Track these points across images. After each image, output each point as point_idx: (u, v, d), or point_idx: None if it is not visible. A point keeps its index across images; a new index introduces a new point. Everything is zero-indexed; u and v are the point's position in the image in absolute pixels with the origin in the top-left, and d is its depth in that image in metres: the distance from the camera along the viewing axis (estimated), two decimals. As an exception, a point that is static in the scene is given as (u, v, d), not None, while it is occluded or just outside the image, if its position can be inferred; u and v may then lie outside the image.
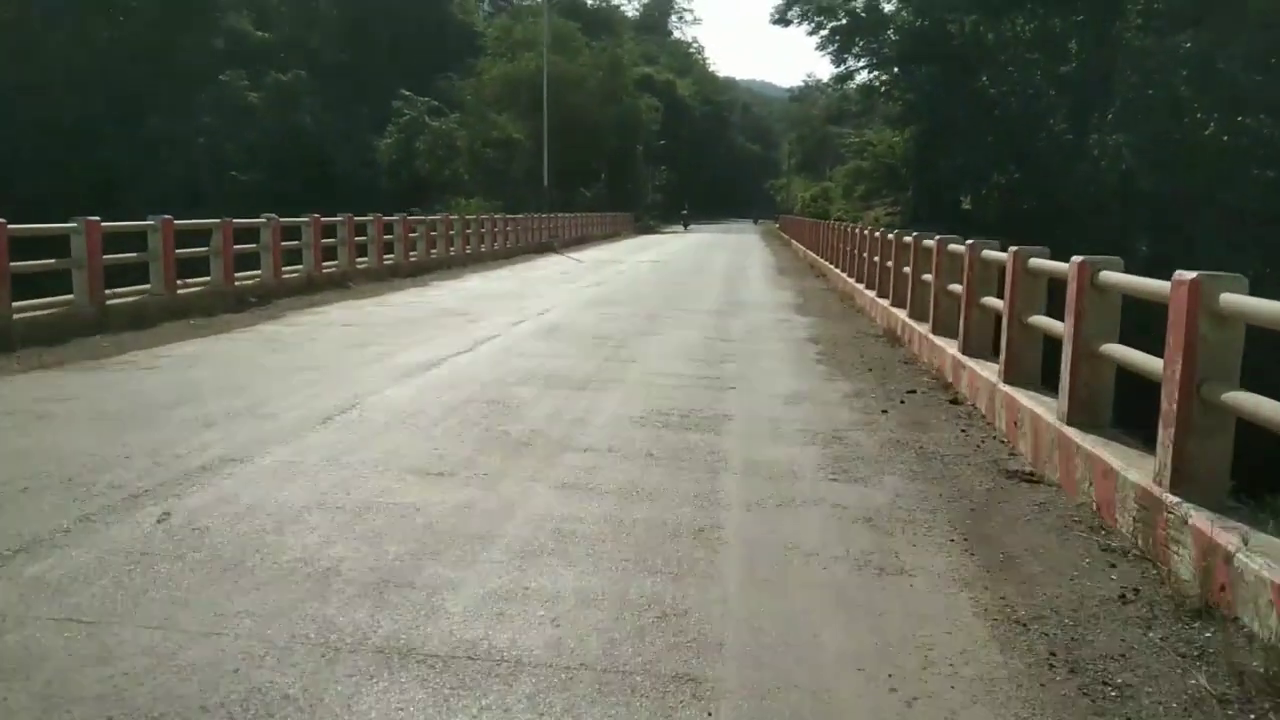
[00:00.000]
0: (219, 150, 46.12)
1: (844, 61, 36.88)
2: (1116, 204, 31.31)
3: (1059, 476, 4.99)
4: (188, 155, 44.57)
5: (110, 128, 41.87)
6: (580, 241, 33.60)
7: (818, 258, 21.39)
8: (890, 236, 12.36)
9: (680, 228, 52.70)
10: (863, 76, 39.57)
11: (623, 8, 75.80)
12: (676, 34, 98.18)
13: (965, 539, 4.13)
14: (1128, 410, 4.98)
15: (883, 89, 39.83)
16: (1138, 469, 4.19)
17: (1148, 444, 4.28)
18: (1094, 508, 4.48)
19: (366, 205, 21.97)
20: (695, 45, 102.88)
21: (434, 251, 18.74)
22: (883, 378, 8.19)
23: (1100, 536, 4.17)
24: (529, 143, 39.60)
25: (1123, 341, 4.96)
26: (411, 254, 17.66)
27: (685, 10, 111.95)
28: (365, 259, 16.10)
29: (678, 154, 64.85)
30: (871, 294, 12.97)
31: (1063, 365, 5.25)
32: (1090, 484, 4.58)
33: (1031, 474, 5.20)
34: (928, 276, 9.65)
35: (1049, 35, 32.78)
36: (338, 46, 51.75)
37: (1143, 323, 5.18)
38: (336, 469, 4.92)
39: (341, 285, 14.39)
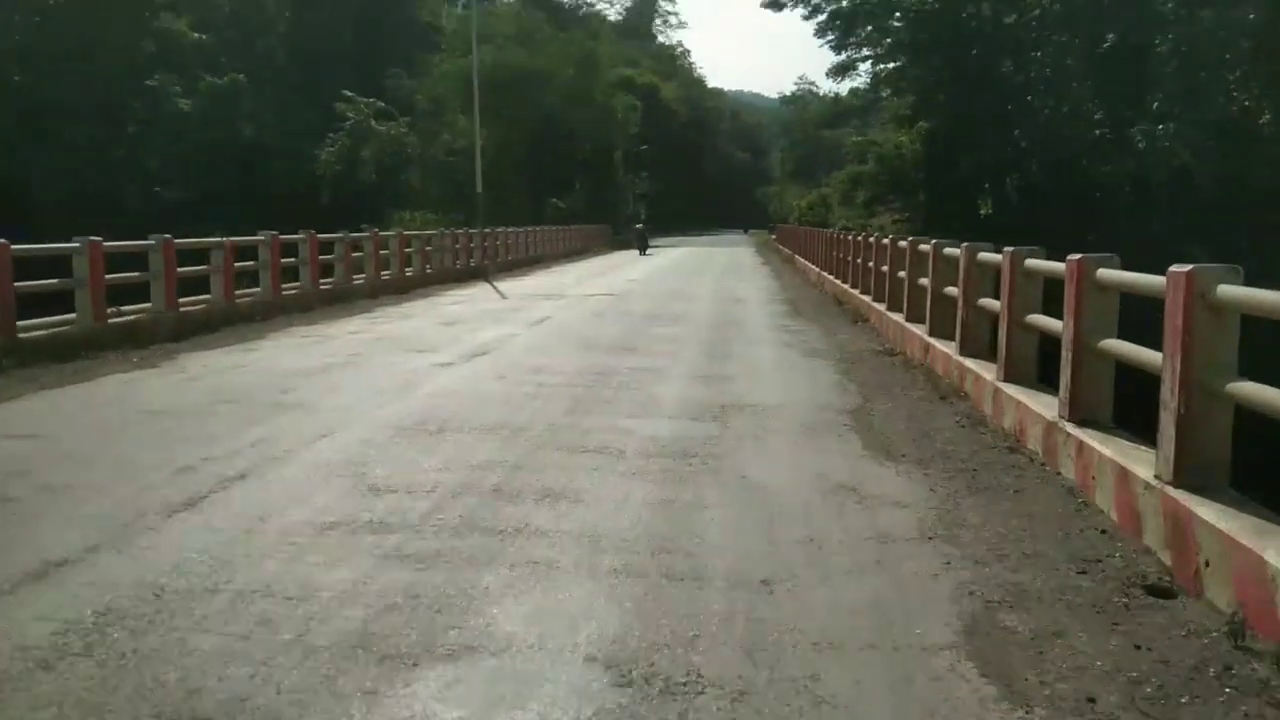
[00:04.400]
0: (143, 162, 45.51)
1: (845, 49, 36.67)
2: (1164, 205, 31.01)
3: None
4: (108, 168, 43.88)
5: (20, 136, 41.08)
6: (531, 263, 30.31)
7: (839, 283, 17.93)
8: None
9: (636, 252, 39.19)
10: (865, 68, 39.42)
11: (604, 11, 75.97)
12: (661, 39, 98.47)
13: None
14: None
15: (889, 82, 39.68)
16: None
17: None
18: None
19: (307, 220, 21.33)
20: (680, 49, 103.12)
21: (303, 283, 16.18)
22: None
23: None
24: (491, 148, 39.08)
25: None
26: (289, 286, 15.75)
27: (670, 13, 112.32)
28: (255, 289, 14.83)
29: (661, 161, 64.60)
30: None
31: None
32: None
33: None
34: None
35: (1077, 11, 32.33)
36: (282, 46, 51.34)
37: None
38: None
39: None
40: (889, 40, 39.16)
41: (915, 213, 41.63)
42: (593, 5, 71.33)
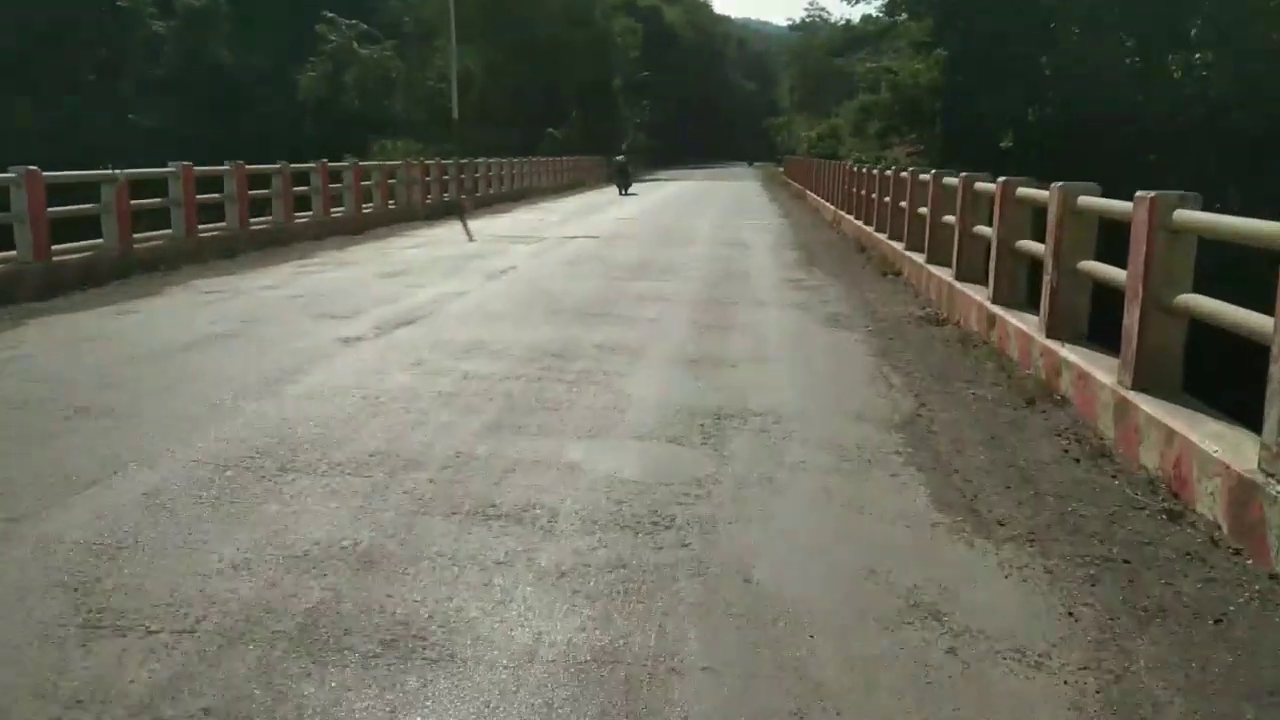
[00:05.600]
0: (114, 89, 42.52)
1: (860, -33, 33.29)
2: (1203, 140, 28.13)
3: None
4: (76, 95, 41.00)
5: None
6: (515, 198, 26.89)
7: (861, 225, 15.18)
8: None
9: (617, 189, 31.85)
10: (881, -11, 36.09)
11: None
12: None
13: None
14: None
15: (907, 4, 36.43)
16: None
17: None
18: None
19: (287, 151, 18.78)
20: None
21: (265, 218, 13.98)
22: None
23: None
24: (480, 74, 35.96)
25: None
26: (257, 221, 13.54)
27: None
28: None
29: (664, 90, 60.93)
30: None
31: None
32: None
33: None
34: None
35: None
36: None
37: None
38: None
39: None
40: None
41: (931, 145, 38.80)
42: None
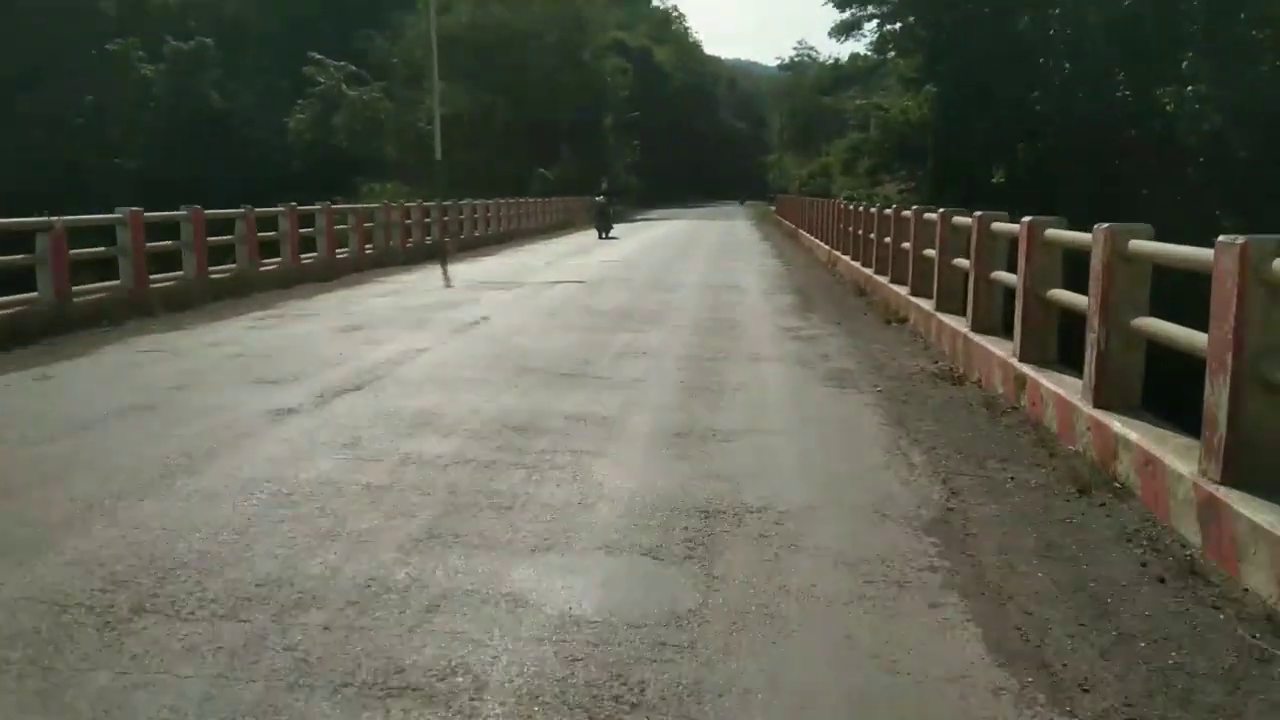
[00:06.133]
0: (103, 132, 41.95)
1: (850, 6, 32.86)
2: (1198, 173, 27.45)
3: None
4: (67, 138, 40.41)
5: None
6: (501, 240, 25.53)
7: (859, 267, 13.94)
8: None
9: (597, 233, 27.99)
10: (871, 27, 35.71)
11: None
12: (656, 3, 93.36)
13: None
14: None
15: (896, 43, 36.06)
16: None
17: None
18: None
19: (276, 194, 18.01)
20: (675, 12, 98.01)
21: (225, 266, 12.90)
22: None
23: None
24: (469, 115, 35.32)
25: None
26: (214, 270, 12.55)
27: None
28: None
29: (655, 129, 60.51)
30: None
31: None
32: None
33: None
34: None
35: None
36: (255, 7, 47.32)
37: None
38: None
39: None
40: (895, -2, 35.57)
41: (922, 182, 38.23)
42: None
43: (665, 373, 7.46)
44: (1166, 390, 5.41)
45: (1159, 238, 5.04)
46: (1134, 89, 30.34)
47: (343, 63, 36.84)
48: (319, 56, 36.56)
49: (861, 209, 14.21)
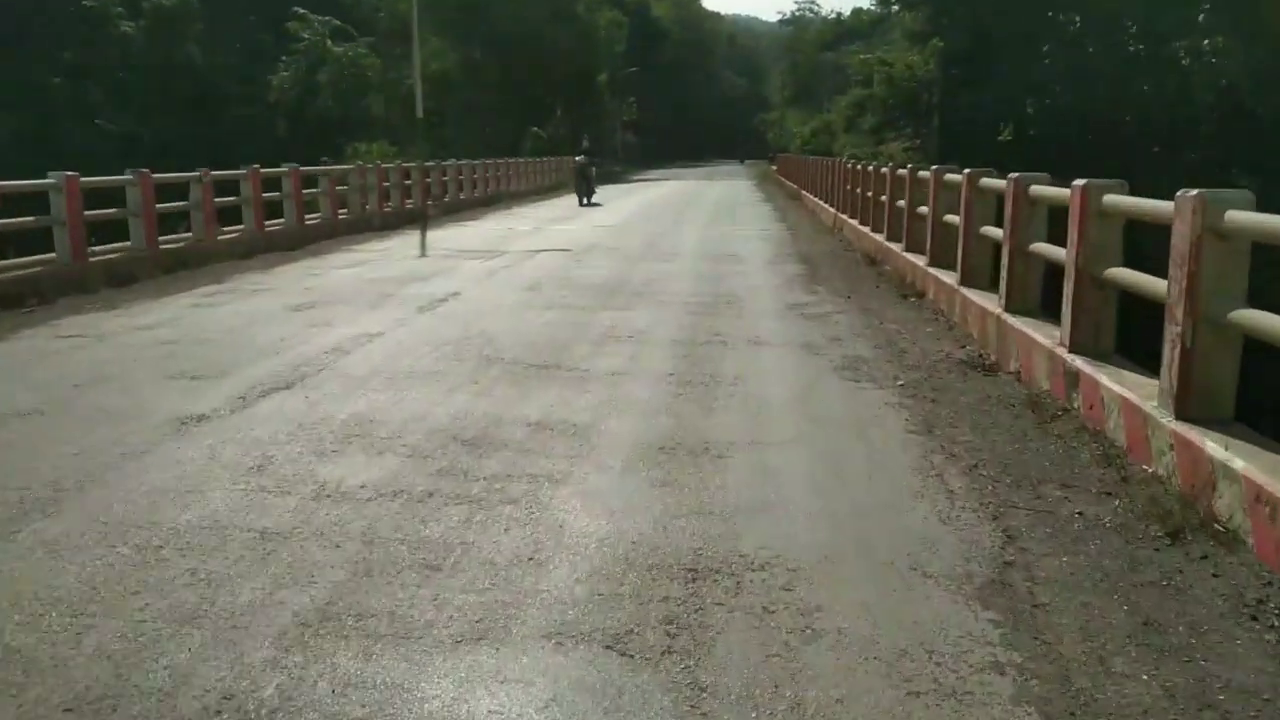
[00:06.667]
0: (82, 93, 40.41)
1: (854, -45, 31.30)
2: (1214, 131, 26.24)
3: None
4: (43, 100, 38.95)
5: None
6: (488, 203, 23.77)
7: (869, 233, 12.66)
8: None
9: (578, 199, 24.39)
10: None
11: None
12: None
13: None
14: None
15: (900, -6, 34.52)
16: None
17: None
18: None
19: (260, 155, 16.91)
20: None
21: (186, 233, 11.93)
22: None
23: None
24: (459, 71, 33.82)
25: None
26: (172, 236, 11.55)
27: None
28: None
29: (652, 86, 58.71)
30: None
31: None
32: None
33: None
34: None
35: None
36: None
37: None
38: None
39: None
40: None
41: (927, 140, 36.91)
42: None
43: (652, 362, 6.42)
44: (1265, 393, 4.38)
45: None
46: (1147, 43, 29.01)
47: (327, 17, 35.18)
48: (302, 11, 34.89)
49: (871, 169, 13.02)
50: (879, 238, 11.95)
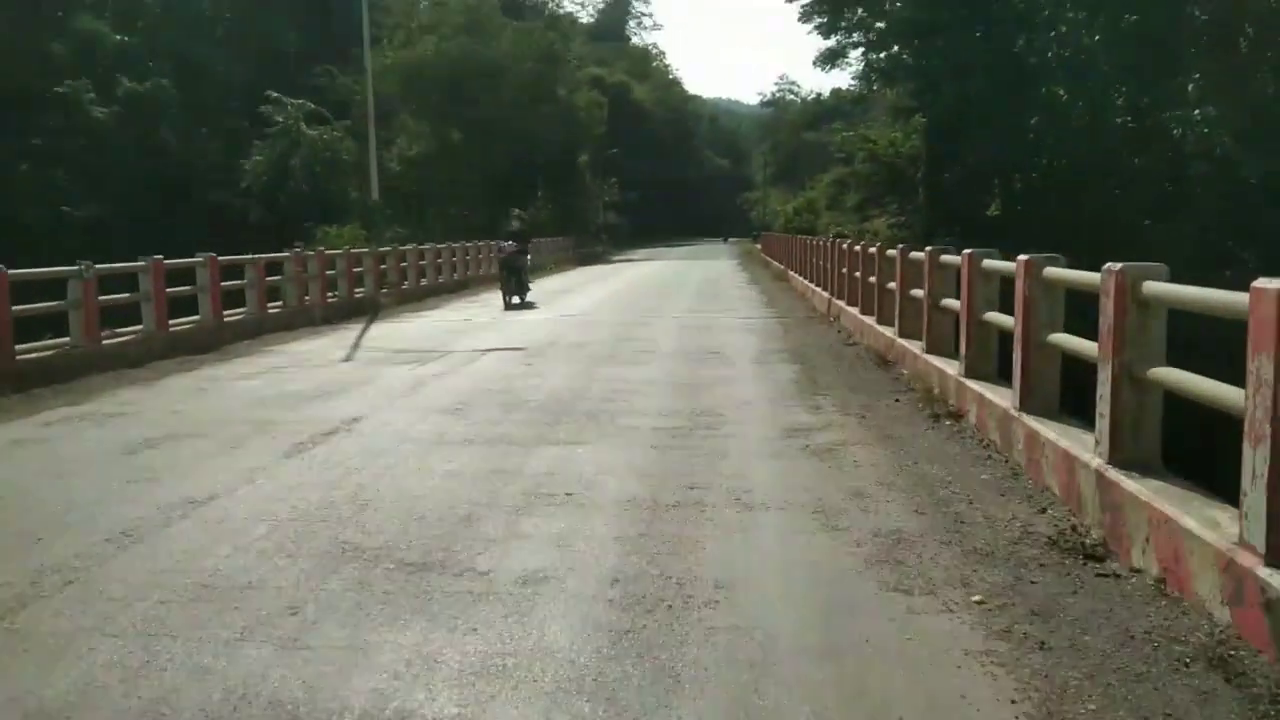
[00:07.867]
0: (48, 179, 38.95)
1: (835, 32, 30.18)
2: (1209, 202, 24.79)
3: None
4: (9, 186, 37.44)
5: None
6: (452, 290, 21.75)
7: (876, 327, 10.54)
8: None
9: (504, 300, 17.64)
10: (857, 55, 33.13)
11: (575, 14, 68.07)
12: (635, 40, 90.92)
13: None
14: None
15: (883, 73, 33.42)
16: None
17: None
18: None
19: (234, 239, 15.13)
20: (655, 49, 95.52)
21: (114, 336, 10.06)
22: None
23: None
24: (438, 154, 32.30)
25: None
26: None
27: (644, 14, 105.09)
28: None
29: (635, 167, 57.69)
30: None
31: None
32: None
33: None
34: None
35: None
36: (221, 49, 44.47)
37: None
38: None
39: None
40: (882, 25, 33.05)
41: (914, 215, 35.61)
42: (562, 6, 63.99)
43: (591, 552, 4.18)
44: None
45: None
46: (1136, 115, 27.93)
47: (301, 100, 33.78)
48: (276, 95, 33.52)
49: (874, 250, 10.96)
50: (888, 332, 9.82)
